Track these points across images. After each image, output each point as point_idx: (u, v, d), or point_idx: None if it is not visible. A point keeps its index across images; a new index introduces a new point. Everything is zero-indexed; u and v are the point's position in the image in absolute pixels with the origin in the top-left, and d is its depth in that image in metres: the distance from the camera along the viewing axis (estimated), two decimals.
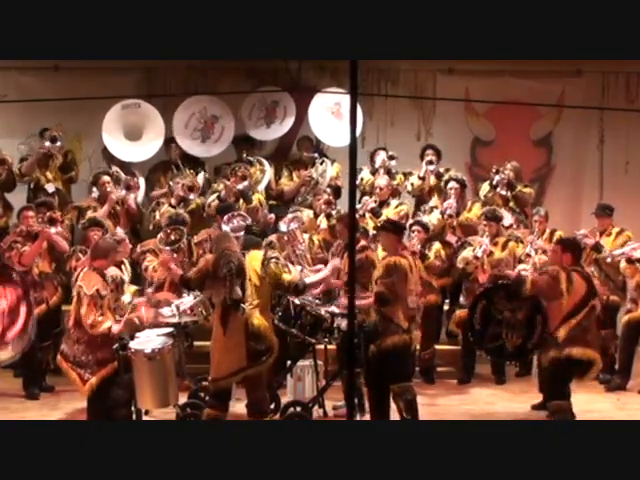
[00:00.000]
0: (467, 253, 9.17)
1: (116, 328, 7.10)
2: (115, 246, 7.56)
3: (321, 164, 10.34)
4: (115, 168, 10.08)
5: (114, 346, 6.99)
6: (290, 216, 9.21)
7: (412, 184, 10.31)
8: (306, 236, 9.25)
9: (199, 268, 7.09)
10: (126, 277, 8.21)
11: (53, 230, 8.80)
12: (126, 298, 7.69)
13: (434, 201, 10.17)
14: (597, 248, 9.22)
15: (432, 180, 10.24)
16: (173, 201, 9.85)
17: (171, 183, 10.00)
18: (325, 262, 8.81)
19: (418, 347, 7.64)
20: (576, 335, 7.19)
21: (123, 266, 8.34)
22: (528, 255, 9.23)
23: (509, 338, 7.34)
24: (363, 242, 8.25)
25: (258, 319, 6.82)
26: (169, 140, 10.42)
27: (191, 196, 9.92)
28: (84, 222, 9.12)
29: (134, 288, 8.21)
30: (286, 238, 9.04)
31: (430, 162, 10.19)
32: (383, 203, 9.96)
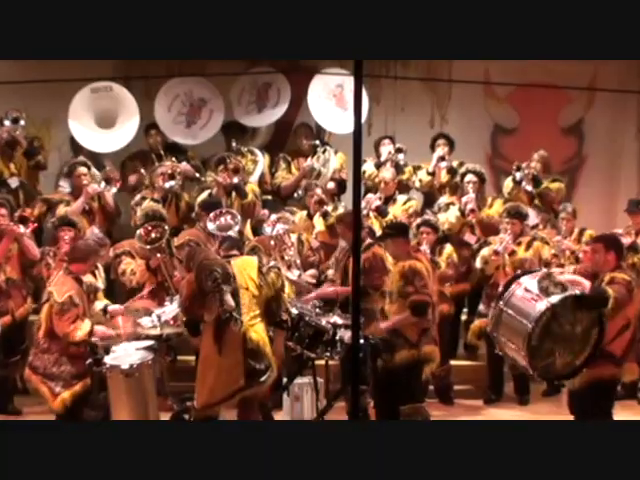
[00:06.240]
0: (486, 251, 8.90)
1: (99, 330, 7.04)
2: (97, 250, 7.46)
3: (323, 153, 10.03)
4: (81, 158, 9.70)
5: (87, 361, 6.91)
6: (274, 217, 8.87)
7: (420, 180, 10.07)
8: (294, 237, 8.89)
9: (185, 295, 6.78)
10: (100, 284, 7.97)
11: (23, 230, 8.33)
12: (98, 305, 7.51)
13: (448, 197, 9.86)
14: (635, 248, 8.89)
15: (443, 176, 9.94)
16: (156, 195, 9.38)
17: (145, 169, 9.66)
18: (317, 267, 8.81)
19: (436, 364, 7.45)
20: (630, 350, 6.69)
21: (97, 271, 8.06)
22: (555, 256, 8.98)
23: (559, 355, 6.33)
24: (368, 240, 8.01)
25: (257, 333, 6.64)
26: (149, 126, 10.01)
27: (172, 183, 9.40)
28: (54, 220, 8.70)
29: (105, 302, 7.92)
30: (272, 243, 8.66)
31: (442, 158, 9.91)
32: (389, 199, 9.63)
